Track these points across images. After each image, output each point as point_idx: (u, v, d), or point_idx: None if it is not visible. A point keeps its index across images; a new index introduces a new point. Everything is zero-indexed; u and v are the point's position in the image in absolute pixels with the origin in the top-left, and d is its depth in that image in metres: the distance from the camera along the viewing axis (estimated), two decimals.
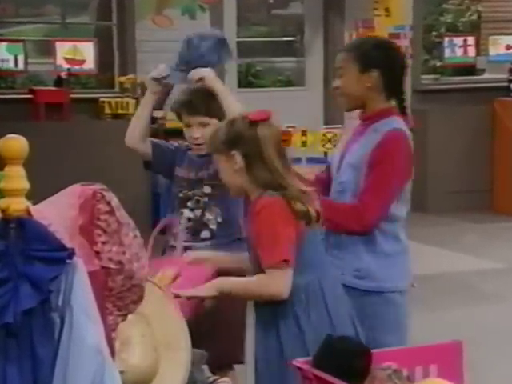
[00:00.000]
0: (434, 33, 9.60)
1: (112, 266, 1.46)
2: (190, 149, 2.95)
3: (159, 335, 1.89)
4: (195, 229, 2.84)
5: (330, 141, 5.22)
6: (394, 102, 2.58)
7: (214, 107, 2.80)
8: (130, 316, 1.55)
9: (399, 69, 2.58)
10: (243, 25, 7.96)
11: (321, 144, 5.25)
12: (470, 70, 8.19)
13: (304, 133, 5.30)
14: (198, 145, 2.85)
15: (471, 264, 5.68)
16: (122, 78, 6.67)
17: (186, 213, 2.85)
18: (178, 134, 6.84)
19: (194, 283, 2.28)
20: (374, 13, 7.15)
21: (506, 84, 7.42)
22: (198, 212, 2.85)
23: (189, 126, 2.87)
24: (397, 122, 2.52)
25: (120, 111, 6.54)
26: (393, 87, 2.54)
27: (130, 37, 6.66)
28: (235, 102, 2.76)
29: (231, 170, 2.26)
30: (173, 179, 2.92)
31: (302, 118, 6.08)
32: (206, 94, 2.83)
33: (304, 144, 5.30)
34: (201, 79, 2.82)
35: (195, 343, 1.93)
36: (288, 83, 8.00)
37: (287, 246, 2.15)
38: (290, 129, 5.29)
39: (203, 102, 2.83)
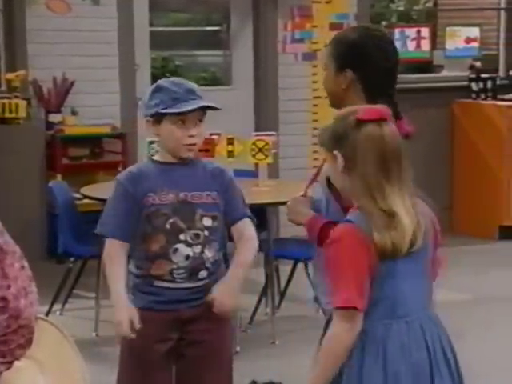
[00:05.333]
0: (384, 22, 9.81)
1: None
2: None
3: None
4: (193, 269, 2.84)
5: (261, 150, 5.28)
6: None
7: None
8: (17, 363, 1.55)
9: (381, 69, 2.67)
10: (158, 11, 7.98)
11: (251, 154, 5.30)
12: (425, 66, 8.35)
13: (230, 141, 5.33)
14: (191, 145, 2.85)
15: None
16: (10, 75, 6.59)
17: (183, 249, 2.82)
18: (77, 141, 6.83)
19: None
20: None
21: (466, 83, 7.59)
22: (198, 249, 2.84)
23: (183, 121, 2.83)
24: None
25: (8, 115, 6.47)
26: (374, 90, 2.63)
27: (19, 25, 6.60)
28: None
29: (335, 171, 2.33)
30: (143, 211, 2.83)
31: (230, 124, 6.12)
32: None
33: (231, 154, 5.34)
34: None
35: None
36: (213, 81, 8.04)
37: (355, 289, 2.22)
38: (214, 136, 5.32)
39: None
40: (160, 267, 2.82)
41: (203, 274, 2.86)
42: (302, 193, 2.71)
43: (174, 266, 2.82)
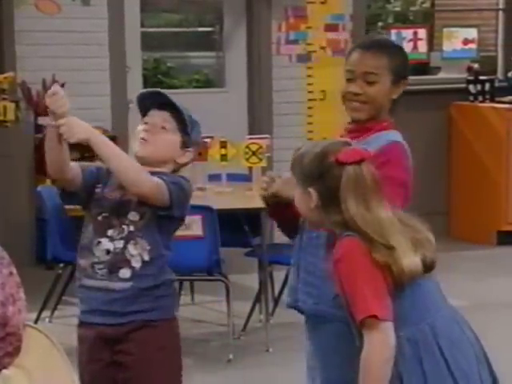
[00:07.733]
0: (380, 23, 9.85)
1: None
2: None
3: None
4: (113, 265, 2.77)
5: (254, 154, 5.29)
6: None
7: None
8: (5, 371, 1.55)
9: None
10: (150, 11, 8.00)
11: (244, 158, 5.31)
12: (422, 68, 8.37)
13: (223, 144, 5.34)
14: (143, 141, 2.97)
15: None
16: None
17: (105, 243, 2.79)
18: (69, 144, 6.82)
19: None
20: None
21: (463, 85, 7.61)
22: (120, 244, 2.78)
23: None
24: (397, 135, 2.76)
25: None
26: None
27: (8, 26, 6.61)
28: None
29: (307, 205, 2.38)
30: (90, 204, 2.86)
31: (223, 126, 6.13)
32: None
33: (224, 158, 5.35)
34: None
35: None
36: (206, 83, 8.05)
37: (373, 298, 2.22)
38: (206, 140, 5.34)
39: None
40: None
41: (125, 273, 2.78)
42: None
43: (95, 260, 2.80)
